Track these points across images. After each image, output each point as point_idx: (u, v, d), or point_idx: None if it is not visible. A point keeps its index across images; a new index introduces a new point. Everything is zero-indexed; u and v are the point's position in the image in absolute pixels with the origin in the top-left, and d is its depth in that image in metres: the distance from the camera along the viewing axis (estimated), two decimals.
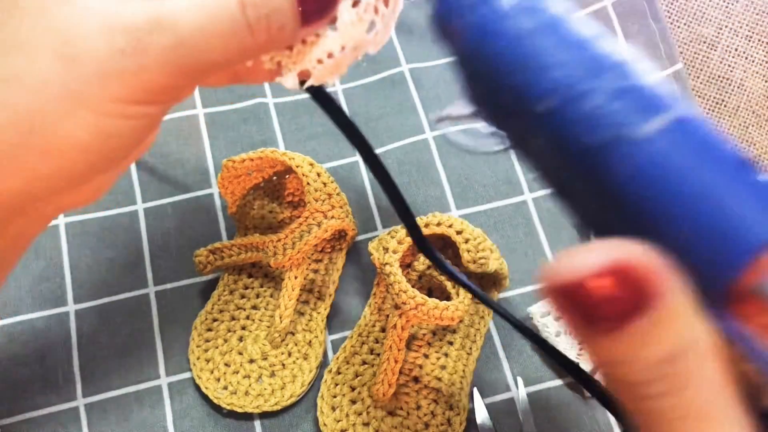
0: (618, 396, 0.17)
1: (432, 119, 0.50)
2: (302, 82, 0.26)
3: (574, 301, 0.16)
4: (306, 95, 0.53)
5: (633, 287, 0.15)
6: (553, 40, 0.21)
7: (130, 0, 0.22)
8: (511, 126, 0.24)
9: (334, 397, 0.41)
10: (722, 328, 0.19)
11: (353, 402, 0.41)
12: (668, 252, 0.17)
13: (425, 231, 0.41)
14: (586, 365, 0.41)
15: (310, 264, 0.45)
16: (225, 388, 0.41)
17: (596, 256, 0.16)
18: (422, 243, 0.32)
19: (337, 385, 0.41)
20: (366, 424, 0.40)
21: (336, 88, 0.52)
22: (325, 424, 0.40)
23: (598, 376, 0.41)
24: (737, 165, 0.19)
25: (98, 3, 0.22)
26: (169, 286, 0.45)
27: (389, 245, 0.41)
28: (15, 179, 0.23)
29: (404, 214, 0.30)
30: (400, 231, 0.41)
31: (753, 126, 0.50)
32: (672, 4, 0.53)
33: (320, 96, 0.28)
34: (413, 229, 0.31)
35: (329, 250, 0.46)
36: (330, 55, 0.25)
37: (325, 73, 0.26)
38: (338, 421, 0.40)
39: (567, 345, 0.41)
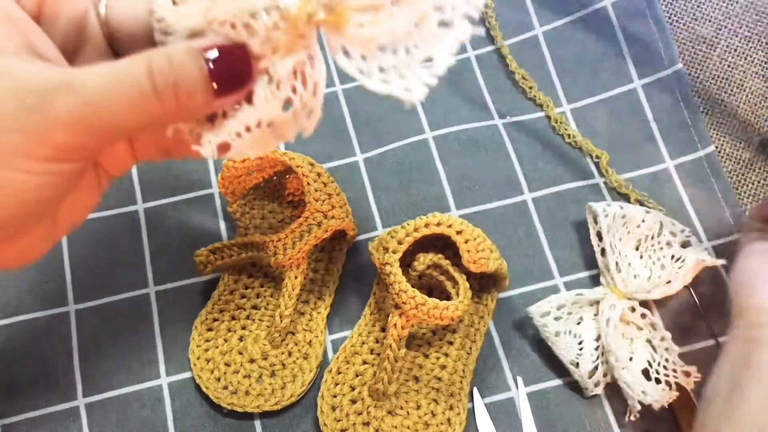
0: None
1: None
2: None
3: None
4: None
5: None
6: None
7: (49, 67, 0.23)
8: None
9: (334, 396, 0.41)
10: None
11: (353, 402, 0.41)
12: None
13: (425, 231, 0.41)
14: (587, 363, 0.41)
15: (310, 264, 0.45)
16: (225, 387, 0.41)
17: None
18: None
19: (337, 384, 0.41)
20: (366, 424, 0.40)
21: (336, 88, 0.52)
22: (325, 424, 0.40)
23: (600, 375, 0.41)
24: None
25: (17, 68, 0.23)
26: (169, 286, 0.45)
27: (389, 245, 0.41)
28: None
29: None
30: (400, 231, 0.41)
31: (752, 126, 0.50)
32: (672, 4, 0.53)
33: None
34: None
35: (329, 250, 0.46)
36: (248, 129, 0.25)
37: (244, 147, 0.26)
38: (338, 421, 0.40)
39: (566, 344, 0.41)
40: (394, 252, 0.40)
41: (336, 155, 0.50)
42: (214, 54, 0.23)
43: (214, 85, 0.23)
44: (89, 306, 0.45)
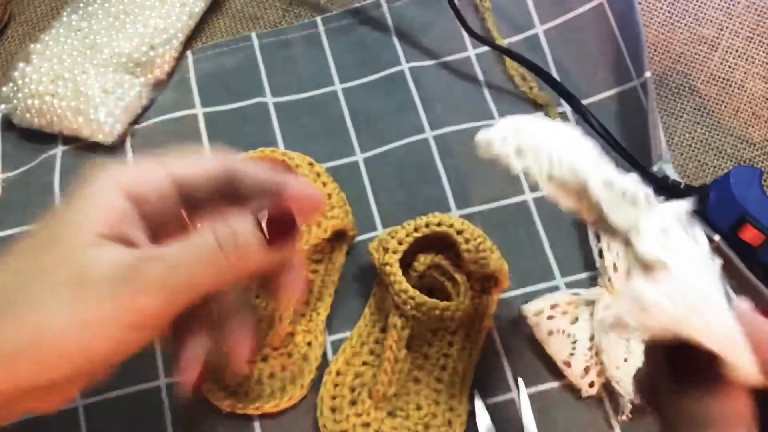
0: None
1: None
2: None
3: None
4: (305, 95, 0.53)
5: None
6: None
7: (137, 250, 0.28)
8: None
9: (334, 398, 0.41)
10: None
11: (353, 403, 0.41)
12: None
13: (425, 231, 0.41)
14: (579, 363, 0.41)
15: (309, 264, 0.45)
16: (224, 389, 0.41)
17: None
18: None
19: (336, 386, 0.41)
20: (366, 425, 0.40)
21: (336, 87, 0.52)
22: (324, 426, 0.40)
23: (594, 375, 0.41)
24: None
25: (116, 250, 0.27)
26: None
27: (389, 245, 0.41)
28: (6, 383, 0.26)
29: None
30: (400, 231, 0.41)
31: (753, 127, 0.50)
32: (673, 5, 0.53)
33: None
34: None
35: (329, 250, 0.46)
36: None
37: None
38: (338, 422, 0.40)
39: (558, 344, 0.41)
40: (394, 252, 0.40)
41: (336, 155, 0.49)
42: (265, 217, 0.29)
43: (267, 239, 0.29)
44: None
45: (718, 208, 0.44)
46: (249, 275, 0.30)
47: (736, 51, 0.51)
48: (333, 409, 0.40)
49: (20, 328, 0.26)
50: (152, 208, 0.30)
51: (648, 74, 0.48)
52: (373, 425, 0.40)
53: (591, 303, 0.42)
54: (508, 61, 0.52)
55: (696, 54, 0.52)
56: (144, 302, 0.27)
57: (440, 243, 0.43)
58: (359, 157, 0.49)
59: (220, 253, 0.28)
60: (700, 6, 0.53)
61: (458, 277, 0.41)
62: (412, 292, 0.39)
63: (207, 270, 0.28)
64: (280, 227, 0.29)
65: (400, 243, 0.41)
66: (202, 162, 0.31)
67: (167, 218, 0.30)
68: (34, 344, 0.26)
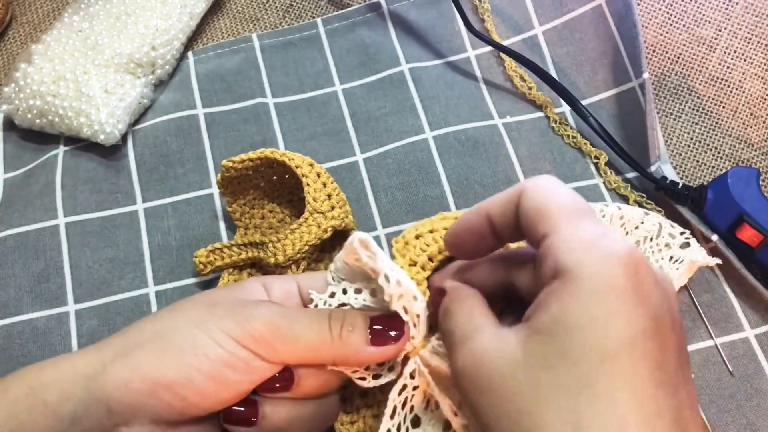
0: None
1: None
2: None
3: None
4: (305, 95, 0.53)
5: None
6: None
7: (254, 320, 0.32)
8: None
9: (345, 387, 0.40)
10: None
11: (364, 395, 0.40)
12: None
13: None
14: None
15: (310, 264, 0.45)
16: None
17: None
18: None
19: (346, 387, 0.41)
20: (375, 416, 0.40)
21: (336, 88, 0.52)
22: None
23: None
24: None
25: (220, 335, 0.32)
26: (169, 286, 0.45)
27: (419, 259, 0.38)
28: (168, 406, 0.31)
29: None
30: (433, 245, 0.38)
31: (751, 128, 0.50)
32: (672, 5, 0.53)
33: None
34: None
35: (329, 250, 0.46)
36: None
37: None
38: (348, 413, 0.40)
39: None
40: (422, 268, 0.38)
41: (336, 155, 0.50)
42: (377, 324, 0.33)
43: (370, 337, 0.33)
44: (89, 306, 0.45)
45: (716, 208, 0.44)
46: (344, 365, 0.33)
47: (735, 52, 0.52)
48: (344, 399, 0.40)
49: (179, 361, 0.31)
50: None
51: (646, 75, 0.48)
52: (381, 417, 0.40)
53: None
54: (507, 61, 0.52)
55: (694, 55, 0.52)
56: (255, 326, 0.32)
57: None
58: (359, 157, 0.50)
59: (327, 331, 0.32)
60: (698, 7, 0.53)
61: None
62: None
63: (312, 332, 0.32)
64: (386, 333, 0.33)
65: (431, 259, 0.38)
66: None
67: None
68: (187, 380, 0.31)
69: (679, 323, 0.27)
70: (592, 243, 0.27)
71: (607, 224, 0.28)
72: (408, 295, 0.33)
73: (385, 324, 0.33)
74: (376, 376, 0.35)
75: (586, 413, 0.24)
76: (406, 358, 0.35)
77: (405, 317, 0.33)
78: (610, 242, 0.27)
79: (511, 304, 0.34)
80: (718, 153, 0.49)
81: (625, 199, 0.47)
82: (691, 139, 0.50)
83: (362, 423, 0.40)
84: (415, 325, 0.34)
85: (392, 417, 0.34)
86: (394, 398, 0.34)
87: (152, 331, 0.33)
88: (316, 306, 0.35)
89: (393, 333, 0.33)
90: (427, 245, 0.38)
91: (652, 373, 0.25)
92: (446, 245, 0.35)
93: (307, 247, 0.41)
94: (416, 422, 0.34)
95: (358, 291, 0.35)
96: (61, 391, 0.31)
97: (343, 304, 0.35)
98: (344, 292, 0.36)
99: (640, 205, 0.47)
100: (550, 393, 0.25)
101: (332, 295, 0.36)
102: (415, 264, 0.38)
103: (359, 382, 0.34)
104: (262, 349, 0.32)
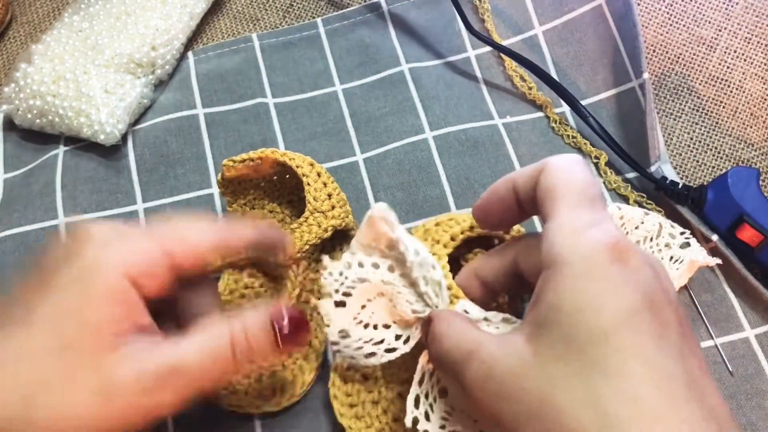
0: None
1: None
2: None
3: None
4: (305, 95, 0.53)
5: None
6: None
7: (156, 347, 0.30)
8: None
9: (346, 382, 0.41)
10: None
11: (367, 384, 0.40)
12: None
13: (480, 231, 0.40)
14: None
15: (310, 264, 0.45)
16: (225, 387, 0.41)
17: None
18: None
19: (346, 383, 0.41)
20: (375, 403, 0.40)
21: (336, 88, 0.52)
22: (335, 396, 0.39)
23: None
24: None
25: (135, 352, 0.29)
26: None
27: (441, 238, 0.39)
28: None
29: None
30: (455, 227, 0.40)
31: (751, 128, 0.50)
32: (672, 5, 0.53)
33: None
34: None
35: (329, 250, 0.46)
36: None
37: None
38: (348, 396, 0.40)
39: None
40: (444, 246, 0.39)
41: (336, 155, 0.50)
42: (281, 319, 0.32)
43: (280, 344, 0.32)
44: None
45: (716, 208, 0.44)
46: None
47: (735, 52, 0.52)
48: (348, 395, 0.40)
49: (51, 413, 0.28)
50: (149, 289, 0.31)
51: (646, 75, 0.48)
52: (381, 404, 0.40)
53: None
54: (507, 61, 0.52)
55: (694, 55, 0.52)
56: (162, 405, 0.30)
57: (478, 244, 0.41)
58: (359, 157, 0.50)
59: (231, 358, 0.31)
60: (698, 7, 0.53)
61: None
62: (456, 290, 0.36)
63: (218, 371, 0.31)
64: (291, 329, 0.32)
65: (453, 239, 0.39)
66: (194, 235, 0.33)
67: (162, 292, 0.32)
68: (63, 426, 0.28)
69: (675, 301, 0.28)
70: (583, 230, 0.28)
71: (608, 215, 0.29)
72: (426, 265, 0.34)
73: (291, 322, 0.33)
74: (389, 350, 0.34)
75: (602, 391, 0.25)
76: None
77: (424, 288, 0.33)
78: (599, 229, 0.28)
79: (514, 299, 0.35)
80: (718, 153, 0.49)
81: (625, 199, 0.47)
82: (691, 139, 0.50)
83: (361, 407, 0.39)
84: (436, 294, 0.34)
85: (420, 384, 0.34)
86: (423, 364, 0.34)
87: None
88: (330, 274, 0.34)
89: (298, 327, 0.33)
90: (450, 227, 0.40)
91: (655, 342, 0.26)
92: (474, 214, 0.35)
93: (307, 247, 0.41)
94: (444, 391, 0.34)
95: (375, 266, 0.35)
96: None
97: (360, 279, 0.35)
98: (360, 265, 0.35)
99: (640, 205, 0.47)
100: (565, 381, 0.26)
101: (348, 265, 0.35)
102: (438, 242, 0.39)
103: (368, 361, 0.34)
104: (159, 414, 0.30)
